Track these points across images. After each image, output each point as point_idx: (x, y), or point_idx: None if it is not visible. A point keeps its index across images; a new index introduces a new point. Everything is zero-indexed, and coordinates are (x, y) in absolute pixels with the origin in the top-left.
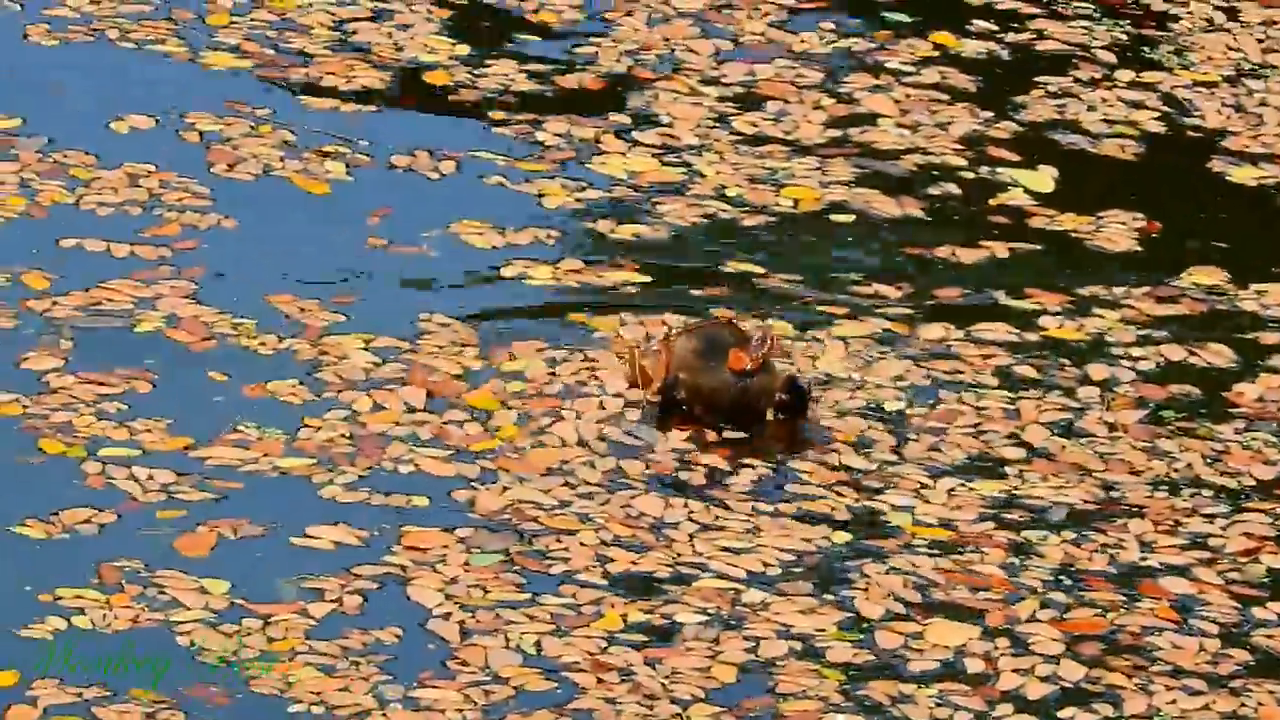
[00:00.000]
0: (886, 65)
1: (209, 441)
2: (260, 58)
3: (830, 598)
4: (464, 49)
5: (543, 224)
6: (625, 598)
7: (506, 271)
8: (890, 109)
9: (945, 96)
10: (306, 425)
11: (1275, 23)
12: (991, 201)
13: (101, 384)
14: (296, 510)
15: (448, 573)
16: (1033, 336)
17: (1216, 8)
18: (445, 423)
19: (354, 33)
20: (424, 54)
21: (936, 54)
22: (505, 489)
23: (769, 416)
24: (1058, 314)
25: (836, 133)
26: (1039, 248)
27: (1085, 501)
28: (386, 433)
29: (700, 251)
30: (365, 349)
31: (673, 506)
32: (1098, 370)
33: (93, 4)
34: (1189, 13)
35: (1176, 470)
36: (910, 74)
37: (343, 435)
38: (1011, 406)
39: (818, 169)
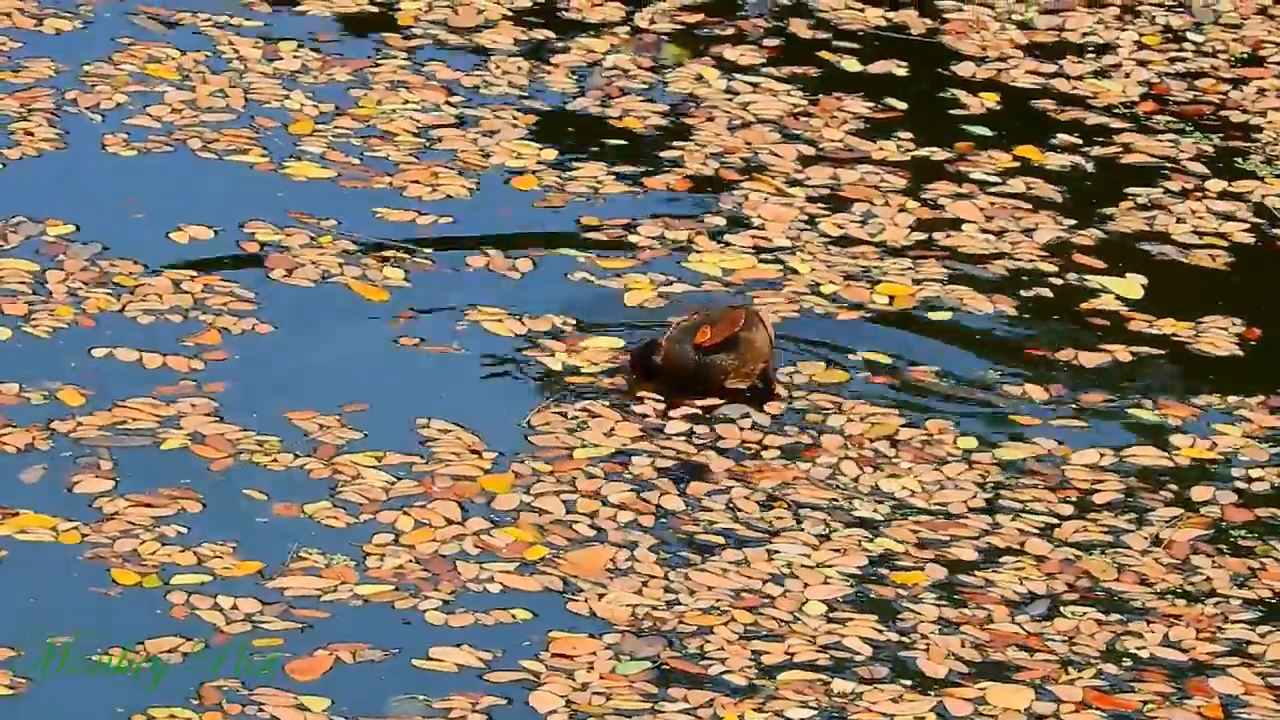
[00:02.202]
0: (969, 175)
1: (280, 569)
2: (345, 166)
3: (909, 683)
4: (551, 154)
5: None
6: (735, 698)
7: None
8: (975, 215)
9: (1029, 205)
10: (370, 552)
11: None
12: (1084, 305)
13: (151, 505)
14: (404, 636)
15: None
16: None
17: None
18: (486, 533)
19: (439, 139)
20: (511, 159)
21: (1018, 165)
22: (602, 596)
23: (732, 388)
24: (1186, 431)
25: (922, 235)
26: (1160, 353)
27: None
28: (440, 551)
29: (805, 340)
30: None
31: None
32: (1201, 491)
33: (174, 113)
34: (1269, 122)
35: (1193, 584)
36: (994, 183)
37: (410, 560)
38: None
39: (909, 269)
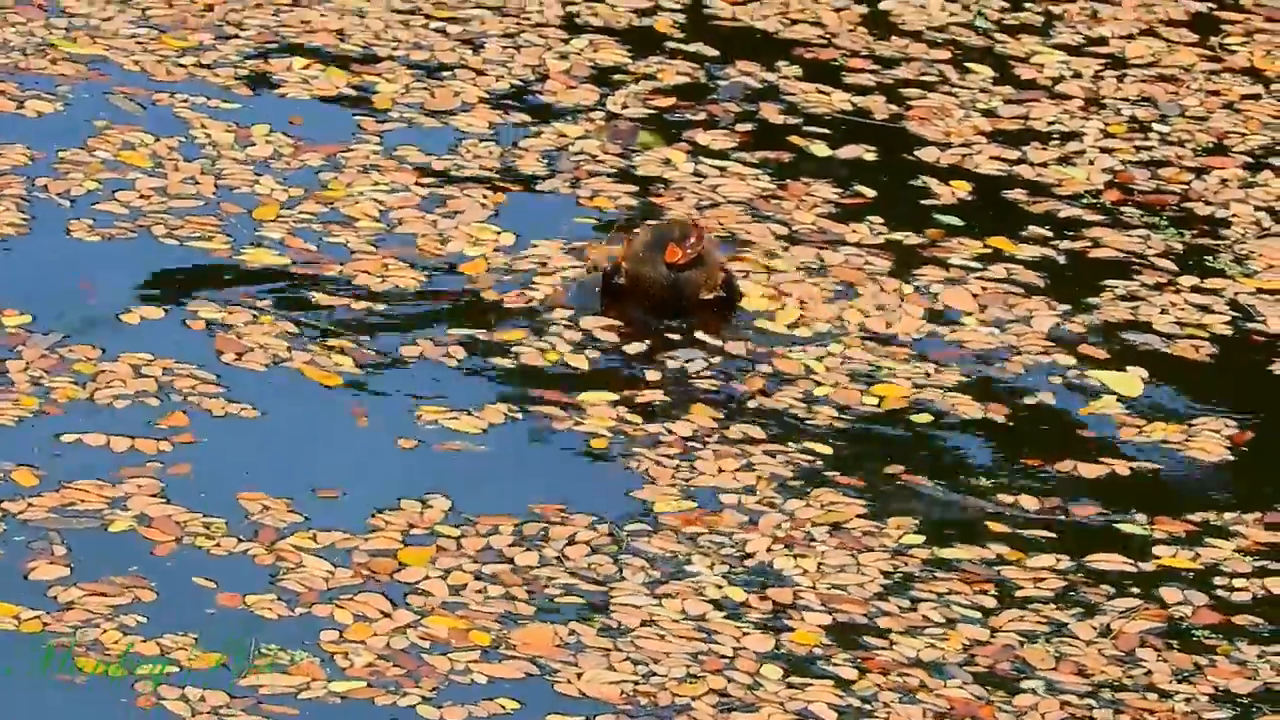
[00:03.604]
0: (947, 260)
1: (244, 664)
2: (300, 252)
3: None
4: (509, 238)
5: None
6: None
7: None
8: (969, 303)
9: (1020, 290)
10: (334, 647)
11: None
12: (1082, 411)
13: (106, 594)
14: None
15: None
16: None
17: (1258, 208)
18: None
19: (400, 222)
20: (469, 246)
21: (990, 253)
22: (581, 674)
23: (703, 300)
24: (1172, 543)
25: (930, 327)
26: (1157, 467)
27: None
28: (396, 645)
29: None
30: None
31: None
32: (1170, 593)
33: (142, 199)
34: (1234, 216)
35: (1131, 677)
36: (975, 268)
37: (381, 656)
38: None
39: (919, 369)
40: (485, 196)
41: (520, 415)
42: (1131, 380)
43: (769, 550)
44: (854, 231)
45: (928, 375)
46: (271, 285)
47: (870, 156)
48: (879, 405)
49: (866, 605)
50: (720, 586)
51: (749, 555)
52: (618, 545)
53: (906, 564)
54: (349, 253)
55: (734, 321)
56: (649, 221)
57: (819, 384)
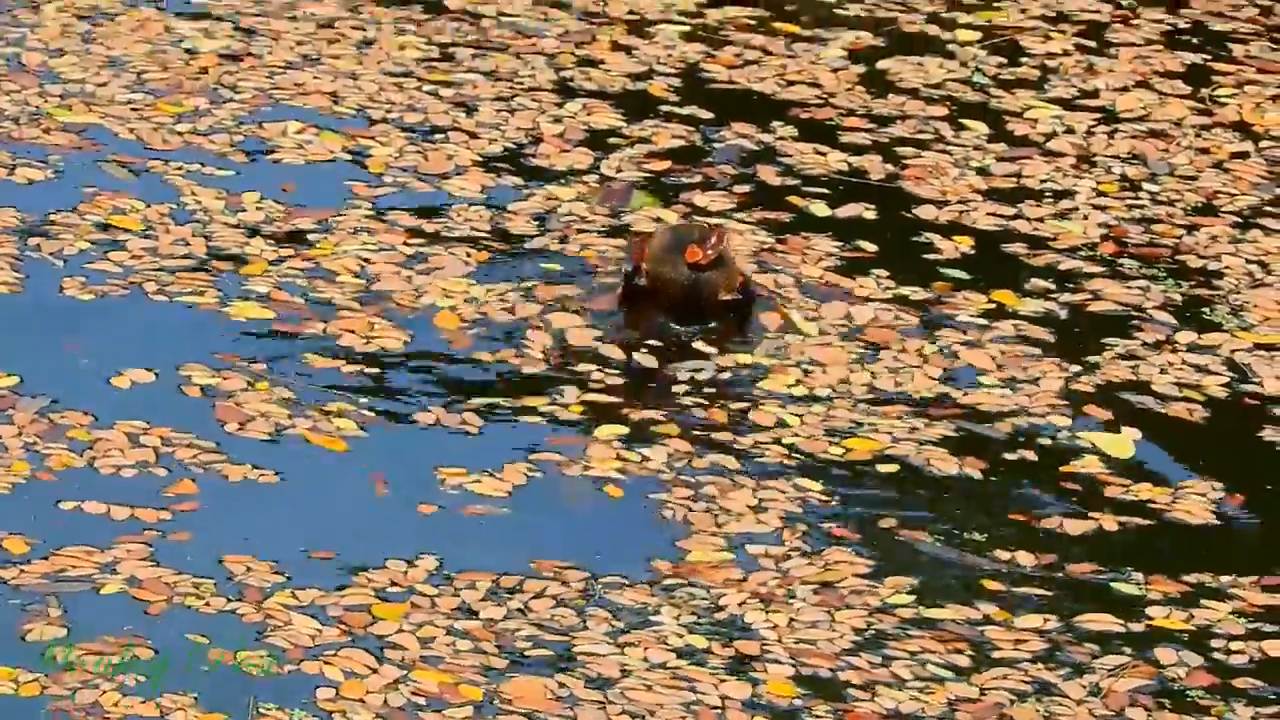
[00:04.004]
0: (957, 317)
1: None
2: (286, 307)
3: None
4: (481, 290)
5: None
6: None
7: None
8: (988, 363)
9: (1036, 350)
10: (331, 706)
11: None
12: (1063, 468)
13: (101, 654)
14: None
15: None
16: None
17: (1249, 261)
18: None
19: (377, 278)
20: (441, 298)
21: (994, 308)
22: None
23: (722, 301)
24: (1166, 604)
25: (943, 388)
26: (1148, 523)
27: None
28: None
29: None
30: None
31: None
32: (1165, 654)
33: (134, 259)
34: (1226, 267)
35: None
36: (981, 324)
37: (379, 715)
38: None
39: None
40: (469, 254)
41: (536, 472)
42: (1123, 442)
43: (741, 605)
44: (861, 286)
45: (911, 431)
46: (260, 344)
47: (870, 215)
48: (843, 455)
49: (835, 659)
50: (681, 635)
51: (720, 608)
52: (588, 599)
53: (882, 620)
54: (334, 309)
55: (749, 330)
56: (665, 225)
57: (795, 435)
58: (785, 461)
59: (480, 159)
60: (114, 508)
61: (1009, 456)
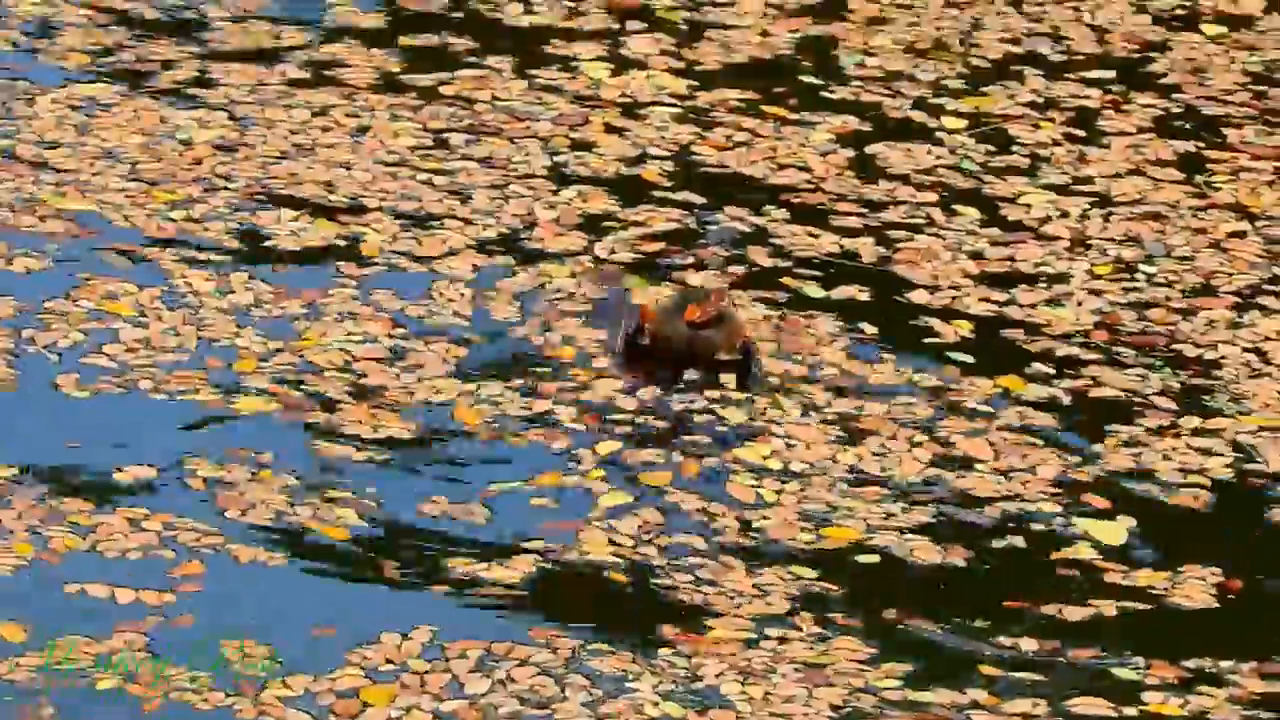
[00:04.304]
0: (964, 404)
1: None
2: (286, 400)
3: None
4: (486, 389)
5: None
6: None
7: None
8: (985, 451)
9: (1033, 440)
10: None
11: None
12: (1054, 554)
13: None
14: None
15: None
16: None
17: (1245, 349)
18: None
19: (364, 375)
20: (432, 395)
21: (997, 391)
22: None
23: (721, 361)
24: (1163, 689)
25: (933, 473)
26: (1147, 607)
27: None
28: None
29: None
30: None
31: None
32: None
33: (129, 353)
34: (1223, 357)
35: None
36: (988, 413)
37: None
38: None
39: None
40: (447, 350)
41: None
42: (1116, 529)
43: (719, 676)
44: (877, 371)
45: (886, 517)
46: (260, 435)
47: (864, 297)
48: (816, 542)
49: None
50: (657, 703)
51: (698, 678)
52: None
53: (861, 699)
54: (333, 402)
55: (749, 382)
56: (691, 289)
57: (766, 518)
58: (763, 544)
59: (474, 242)
60: (118, 590)
61: (998, 544)
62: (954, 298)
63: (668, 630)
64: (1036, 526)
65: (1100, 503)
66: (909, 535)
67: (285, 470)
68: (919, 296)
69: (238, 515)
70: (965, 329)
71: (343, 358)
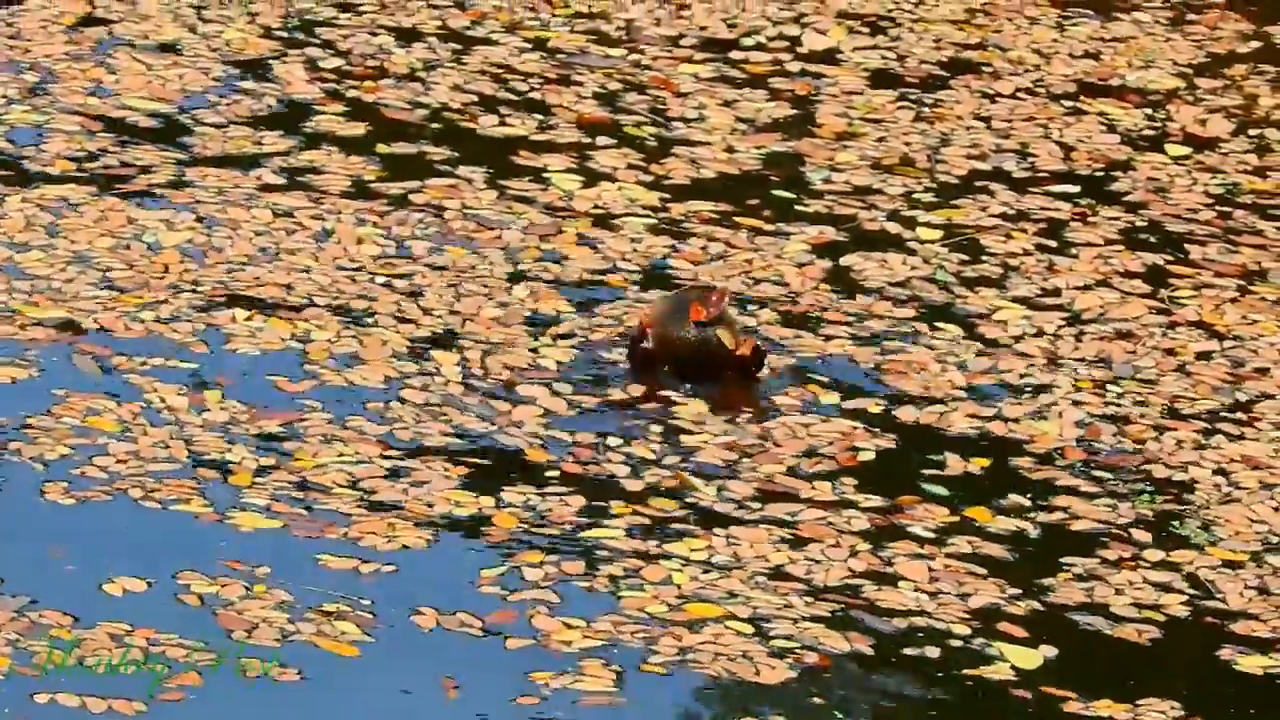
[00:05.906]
0: (908, 529)
1: None
2: (291, 517)
3: None
4: (489, 500)
5: None
6: None
7: None
8: (920, 574)
9: (982, 569)
10: None
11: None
12: (969, 670)
13: None
14: None
15: None
16: None
17: (1216, 470)
18: None
19: (373, 491)
20: (446, 506)
21: (956, 520)
22: None
23: (731, 358)
24: None
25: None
26: None
27: None
28: None
29: None
30: None
31: None
32: None
33: (119, 463)
34: (1196, 482)
35: None
36: (933, 539)
37: None
38: None
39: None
40: (446, 469)
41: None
42: (1033, 655)
43: None
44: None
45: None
46: (260, 550)
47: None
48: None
49: None
50: None
51: None
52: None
53: None
54: (345, 517)
55: (755, 393)
56: (663, 294)
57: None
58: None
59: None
60: (88, 699)
61: (909, 652)
62: (940, 414)
63: None
64: (954, 642)
65: (1016, 631)
66: (803, 623)
67: (281, 587)
68: (906, 414)
69: (244, 636)
70: (982, 465)
71: (346, 477)
